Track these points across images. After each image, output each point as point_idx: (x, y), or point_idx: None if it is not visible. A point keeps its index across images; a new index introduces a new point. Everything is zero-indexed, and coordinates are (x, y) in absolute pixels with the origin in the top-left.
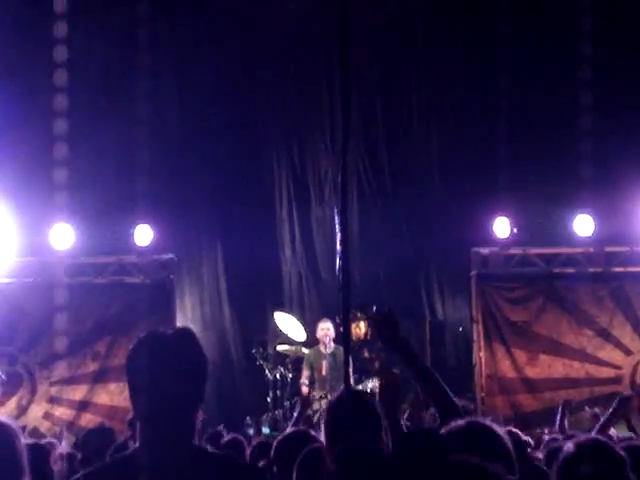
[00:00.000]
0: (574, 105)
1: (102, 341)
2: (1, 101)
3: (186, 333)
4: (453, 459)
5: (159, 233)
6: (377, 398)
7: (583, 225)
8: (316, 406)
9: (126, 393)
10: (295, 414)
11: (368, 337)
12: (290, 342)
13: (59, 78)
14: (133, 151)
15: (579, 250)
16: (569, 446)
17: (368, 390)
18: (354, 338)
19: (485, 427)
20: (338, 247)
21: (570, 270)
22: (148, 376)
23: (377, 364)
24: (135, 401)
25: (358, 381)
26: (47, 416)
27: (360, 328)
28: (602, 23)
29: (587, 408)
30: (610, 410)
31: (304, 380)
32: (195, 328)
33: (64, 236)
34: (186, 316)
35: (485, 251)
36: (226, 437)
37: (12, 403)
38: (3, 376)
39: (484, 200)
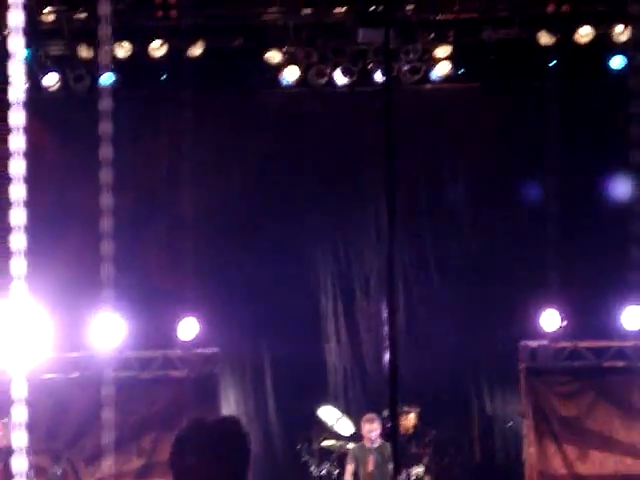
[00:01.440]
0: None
1: (147, 436)
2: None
3: (231, 421)
4: None
5: (204, 326)
6: None
7: (633, 317)
8: None
9: None
10: None
11: (416, 430)
12: (336, 437)
13: (105, 176)
14: (178, 244)
15: (629, 344)
16: None
17: (415, 476)
18: (402, 431)
19: None
20: (386, 341)
21: (621, 364)
22: (191, 462)
23: (425, 460)
24: None
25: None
26: None
27: (408, 420)
28: None
29: None
30: None
31: (347, 477)
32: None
33: (109, 330)
34: (231, 410)
35: (534, 344)
36: None
37: None
38: (58, 472)
39: (532, 292)
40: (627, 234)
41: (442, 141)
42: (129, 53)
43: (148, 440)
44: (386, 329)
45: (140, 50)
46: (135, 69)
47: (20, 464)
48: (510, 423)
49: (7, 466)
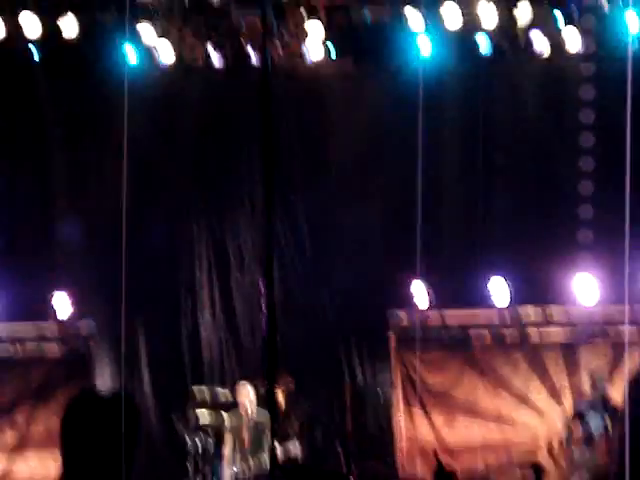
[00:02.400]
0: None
1: (21, 411)
2: None
3: (120, 394)
4: None
5: (78, 301)
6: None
7: (499, 288)
8: (240, 475)
9: (46, 462)
10: None
11: (288, 402)
12: (212, 408)
13: None
14: (51, 217)
15: (495, 313)
16: None
17: (292, 455)
18: (275, 403)
19: None
20: (260, 313)
21: (486, 333)
22: (81, 434)
23: (298, 428)
24: (66, 460)
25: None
26: None
27: (281, 392)
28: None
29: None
30: None
31: (225, 450)
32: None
33: None
34: (105, 385)
35: (403, 314)
36: None
37: None
38: None
39: (401, 262)
40: (489, 204)
41: (317, 121)
42: None
43: (22, 414)
44: (261, 301)
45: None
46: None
47: None
48: (380, 392)
49: None
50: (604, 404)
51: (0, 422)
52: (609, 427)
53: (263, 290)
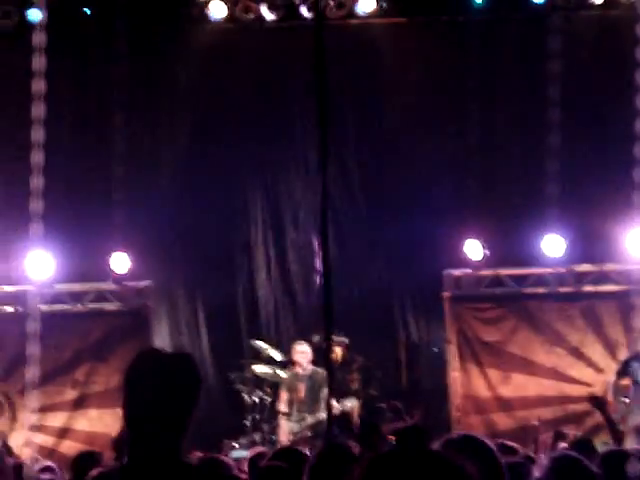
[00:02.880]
0: (544, 123)
1: (81, 368)
2: None
3: (185, 355)
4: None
5: (136, 260)
6: (355, 417)
7: (553, 245)
8: (295, 428)
9: (106, 419)
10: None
11: (344, 358)
12: (268, 365)
13: (36, 110)
14: (110, 179)
15: (549, 270)
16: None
17: (347, 409)
18: (332, 359)
19: (477, 439)
20: (315, 272)
21: (541, 290)
22: (145, 391)
23: (354, 386)
24: (129, 415)
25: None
26: (28, 443)
27: (335, 352)
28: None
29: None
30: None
31: (281, 406)
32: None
33: (42, 264)
34: (163, 343)
35: (457, 273)
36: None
37: None
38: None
39: (456, 222)
40: (543, 167)
41: (369, 76)
42: None
43: (82, 372)
44: (315, 260)
45: None
46: (62, 3)
47: None
48: (435, 349)
49: None
50: None
51: (61, 380)
52: None
53: (318, 249)
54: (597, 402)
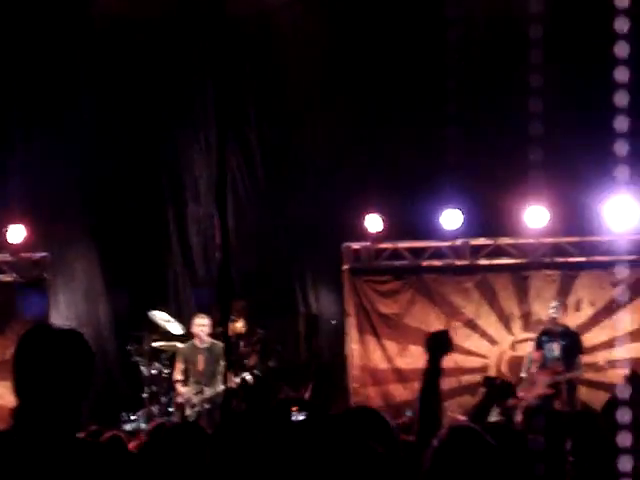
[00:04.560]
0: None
1: None
2: None
3: (75, 331)
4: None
5: (32, 231)
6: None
7: (450, 218)
8: (193, 400)
9: (1, 391)
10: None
11: (244, 330)
12: (166, 337)
13: None
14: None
15: (446, 243)
16: (442, 432)
17: (245, 382)
18: (230, 333)
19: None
20: (215, 244)
21: (438, 263)
22: (37, 367)
23: (253, 358)
24: (19, 392)
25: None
26: None
27: (236, 323)
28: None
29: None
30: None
31: (177, 375)
32: (70, 325)
33: None
34: (60, 314)
35: (356, 246)
36: (106, 434)
37: None
38: None
39: (355, 196)
40: (443, 138)
41: (271, 56)
42: None
43: None
44: (215, 234)
45: None
46: None
47: None
48: (334, 321)
49: None
50: (557, 331)
51: None
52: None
53: (217, 223)
54: (490, 383)
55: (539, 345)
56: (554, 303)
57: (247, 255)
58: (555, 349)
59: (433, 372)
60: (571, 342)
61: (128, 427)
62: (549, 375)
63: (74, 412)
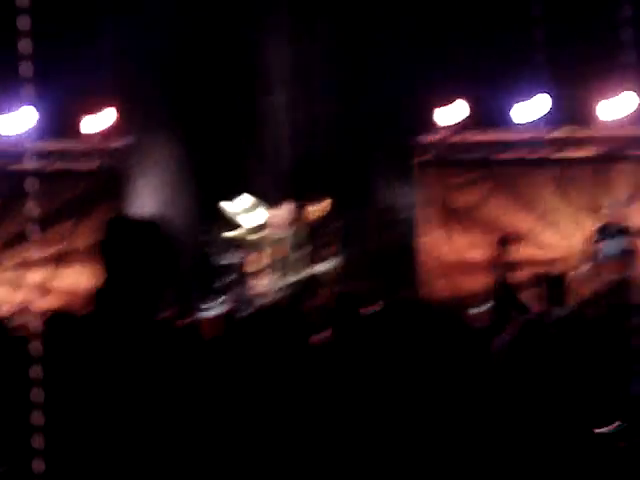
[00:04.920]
0: None
1: (59, 226)
2: None
3: (154, 221)
4: None
5: (114, 119)
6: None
7: (527, 109)
8: (272, 287)
9: (84, 276)
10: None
11: (322, 219)
12: (245, 226)
13: None
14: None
15: (521, 135)
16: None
17: (322, 271)
18: (310, 219)
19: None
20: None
21: (512, 155)
22: (119, 255)
23: (328, 249)
24: (103, 277)
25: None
26: (8, 299)
27: (316, 209)
28: None
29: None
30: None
31: (252, 265)
32: (149, 213)
33: (16, 121)
34: (139, 202)
35: (429, 138)
36: (182, 321)
37: None
38: None
39: (430, 87)
40: (519, 30)
41: None
42: None
43: (60, 230)
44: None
45: None
46: None
47: None
48: (405, 214)
49: None
50: (620, 228)
51: (39, 237)
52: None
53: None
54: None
55: (599, 240)
56: (617, 199)
57: (321, 146)
58: (614, 246)
59: (503, 267)
60: (629, 241)
61: (203, 314)
62: (610, 270)
63: (153, 298)
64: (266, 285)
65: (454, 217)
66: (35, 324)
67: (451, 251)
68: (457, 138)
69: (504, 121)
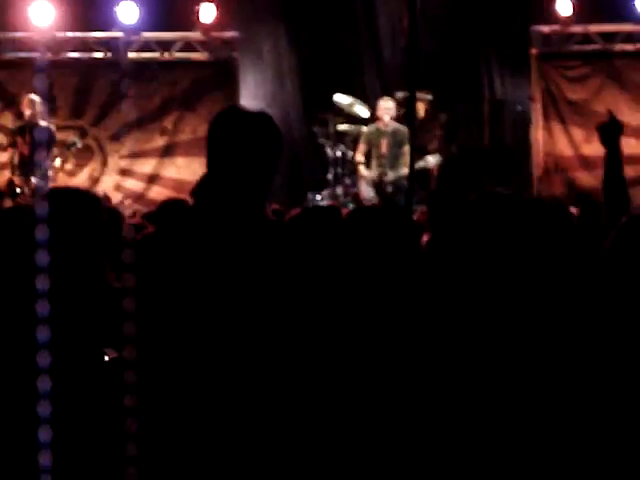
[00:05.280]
0: None
1: (170, 116)
2: None
3: (265, 114)
4: None
5: (223, 9)
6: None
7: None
8: (377, 181)
9: (193, 167)
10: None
11: (427, 114)
12: (351, 120)
13: None
14: None
15: None
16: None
17: (429, 166)
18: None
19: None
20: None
21: (630, 47)
22: (228, 147)
23: (435, 143)
24: (211, 169)
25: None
26: (118, 187)
27: (420, 105)
28: None
29: None
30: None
31: (360, 157)
32: (258, 105)
33: (130, 12)
34: (250, 93)
35: (545, 29)
36: (292, 212)
37: (84, 174)
38: (79, 144)
39: None
40: None
41: None
42: None
43: (170, 120)
44: (402, 16)
45: None
46: None
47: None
48: (520, 107)
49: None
50: None
51: (150, 127)
52: None
53: (405, 3)
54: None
55: None
56: None
57: (433, 37)
58: None
59: (614, 159)
60: None
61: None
62: None
63: (261, 191)
64: (368, 177)
65: (571, 110)
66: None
67: (567, 145)
68: (575, 29)
69: (623, 12)
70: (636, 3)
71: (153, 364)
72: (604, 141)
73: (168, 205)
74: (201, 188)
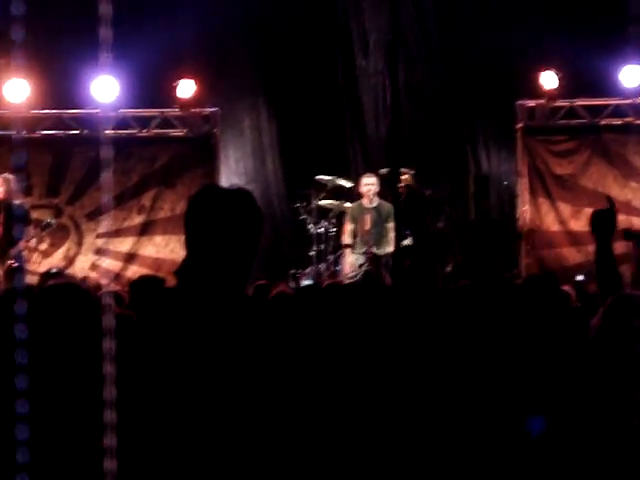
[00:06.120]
0: None
1: (147, 194)
2: None
3: (245, 191)
4: None
5: (202, 85)
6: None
7: (631, 75)
8: (360, 261)
9: (171, 245)
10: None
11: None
12: (334, 196)
13: None
14: (176, 6)
15: (627, 101)
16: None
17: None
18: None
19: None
20: (385, 102)
21: (617, 122)
22: (207, 226)
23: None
24: (190, 248)
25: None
26: (94, 267)
27: (404, 181)
28: None
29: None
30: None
31: (346, 237)
32: (239, 181)
33: (108, 89)
34: (230, 169)
35: (531, 103)
36: (274, 290)
37: (59, 254)
38: (54, 224)
39: (530, 51)
40: None
41: None
42: None
43: (148, 197)
44: (385, 91)
45: None
46: None
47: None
48: (505, 182)
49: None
50: None
51: (127, 205)
52: None
53: (387, 79)
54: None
55: None
56: None
57: (417, 112)
58: None
59: (605, 251)
60: None
61: (293, 285)
62: None
63: (242, 270)
64: (351, 257)
65: (558, 185)
66: (122, 291)
67: (555, 221)
68: (561, 103)
69: (609, 87)
70: (621, 77)
71: (135, 450)
72: (595, 229)
73: (139, 284)
74: (184, 268)
